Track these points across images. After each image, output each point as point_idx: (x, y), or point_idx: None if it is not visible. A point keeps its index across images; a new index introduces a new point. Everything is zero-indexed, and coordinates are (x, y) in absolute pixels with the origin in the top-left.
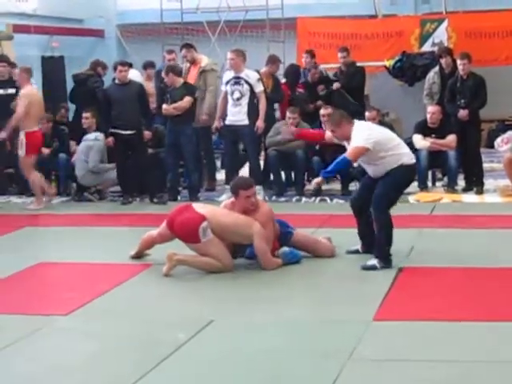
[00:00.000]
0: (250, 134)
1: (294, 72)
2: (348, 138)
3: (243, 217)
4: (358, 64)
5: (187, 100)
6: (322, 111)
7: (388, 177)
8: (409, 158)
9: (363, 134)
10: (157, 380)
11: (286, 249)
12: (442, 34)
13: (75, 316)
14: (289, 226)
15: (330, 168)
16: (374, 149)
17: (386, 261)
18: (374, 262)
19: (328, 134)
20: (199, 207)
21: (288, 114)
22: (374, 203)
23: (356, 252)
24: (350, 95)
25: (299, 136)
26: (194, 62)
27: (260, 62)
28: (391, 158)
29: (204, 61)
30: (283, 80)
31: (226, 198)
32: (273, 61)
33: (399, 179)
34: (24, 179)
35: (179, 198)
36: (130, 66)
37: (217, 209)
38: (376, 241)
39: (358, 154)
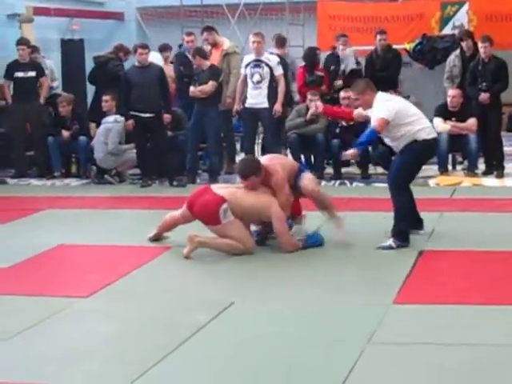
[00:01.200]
0: (269, 117)
1: (312, 55)
2: (370, 107)
3: (263, 197)
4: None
5: (211, 84)
6: (342, 94)
7: (404, 153)
8: (427, 133)
9: (385, 104)
10: (178, 362)
11: (309, 232)
12: (462, 17)
13: (96, 298)
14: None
15: (361, 140)
16: (393, 120)
17: (401, 238)
18: (389, 241)
19: (356, 112)
20: (218, 188)
21: (309, 96)
22: (389, 180)
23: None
24: (386, 80)
25: (327, 112)
26: (215, 44)
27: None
28: (409, 132)
29: (226, 44)
30: (302, 64)
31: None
32: (281, 43)
33: (416, 154)
34: (44, 162)
35: (198, 180)
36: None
37: (236, 190)
38: (394, 218)
39: (383, 124)
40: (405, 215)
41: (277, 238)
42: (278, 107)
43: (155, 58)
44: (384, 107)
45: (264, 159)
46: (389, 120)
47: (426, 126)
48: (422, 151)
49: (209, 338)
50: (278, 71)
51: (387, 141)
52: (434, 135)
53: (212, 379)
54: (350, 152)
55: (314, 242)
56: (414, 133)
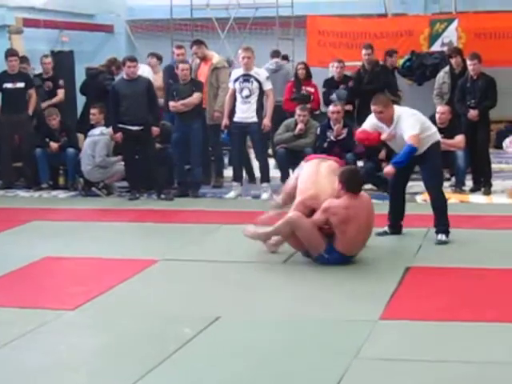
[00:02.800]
0: (258, 132)
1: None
2: (389, 121)
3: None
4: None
5: (197, 96)
6: (331, 108)
7: (429, 158)
8: (437, 136)
9: (413, 118)
10: (163, 375)
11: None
12: (451, 34)
13: (82, 310)
14: None
15: (400, 159)
16: (421, 133)
17: (448, 232)
18: (443, 237)
19: (384, 135)
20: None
21: (298, 111)
22: (431, 186)
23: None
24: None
25: (360, 138)
26: (204, 58)
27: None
28: (426, 138)
29: (215, 58)
30: (292, 79)
31: (234, 195)
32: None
33: (438, 155)
34: (32, 173)
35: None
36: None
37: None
38: (438, 217)
39: (418, 140)
40: (446, 211)
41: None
42: (266, 122)
43: (145, 71)
44: (414, 123)
45: None
46: (420, 134)
47: (435, 130)
48: (439, 151)
49: (195, 351)
50: (267, 86)
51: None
52: (439, 137)
53: None
54: (388, 170)
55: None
56: (430, 137)
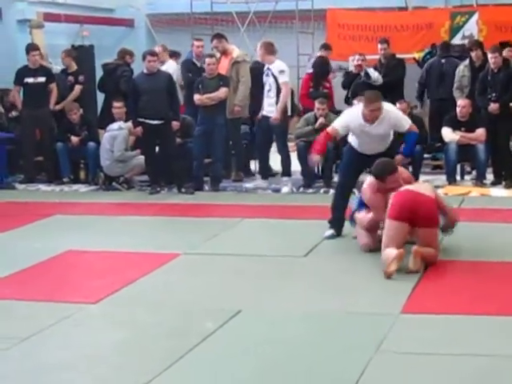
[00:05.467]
0: (279, 126)
1: (322, 65)
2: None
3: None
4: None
5: (224, 91)
6: (317, 105)
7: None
8: None
9: (400, 112)
10: (185, 369)
11: None
12: (472, 27)
13: (104, 304)
14: None
15: (410, 147)
16: None
17: None
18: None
19: (330, 130)
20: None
21: (317, 104)
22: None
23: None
24: (391, 87)
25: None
26: (224, 52)
27: (290, 53)
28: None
29: (235, 52)
30: (309, 71)
31: (287, 190)
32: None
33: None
34: (53, 167)
35: (206, 187)
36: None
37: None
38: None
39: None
40: None
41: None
42: (275, 115)
43: (170, 66)
44: (402, 115)
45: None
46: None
47: None
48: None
49: (217, 345)
50: (282, 79)
51: (369, 144)
52: None
53: None
54: (399, 158)
55: None
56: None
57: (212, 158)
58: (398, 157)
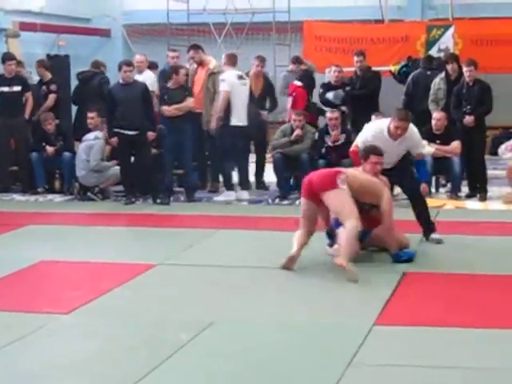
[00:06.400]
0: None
1: (309, 77)
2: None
3: (374, 178)
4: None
5: (191, 101)
6: (328, 115)
7: (406, 168)
8: None
9: (418, 133)
10: (158, 380)
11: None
12: (448, 40)
13: (77, 314)
14: None
15: (425, 173)
16: None
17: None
18: (437, 235)
19: (355, 149)
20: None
21: (293, 116)
22: (415, 190)
23: None
24: (365, 100)
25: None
26: (201, 63)
27: (266, 64)
28: None
29: (212, 63)
30: (298, 83)
31: (223, 198)
32: (262, 60)
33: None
34: (27, 177)
35: (172, 199)
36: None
37: (352, 169)
38: (424, 219)
39: None
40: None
41: (382, 215)
42: (212, 124)
43: (148, 76)
44: (420, 137)
45: None
46: None
47: None
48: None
49: (190, 356)
50: (220, 87)
51: (388, 161)
52: None
53: None
54: (425, 188)
55: (406, 254)
56: None
57: (184, 168)
58: (424, 187)
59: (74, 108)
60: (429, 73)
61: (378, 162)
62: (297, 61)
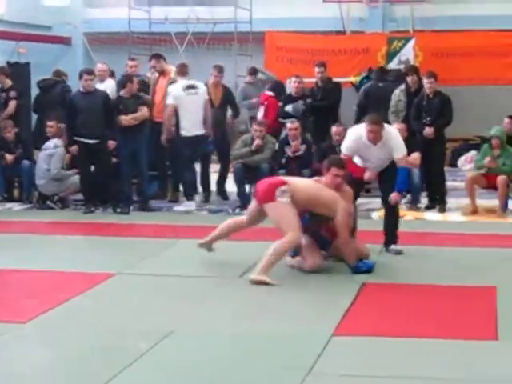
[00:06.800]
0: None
1: (280, 87)
2: (380, 140)
3: (329, 190)
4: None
5: (146, 110)
6: (288, 125)
7: (390, 174)
8: None
9: (400, 138)
10: None
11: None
12: (408, 52)
13: (36, 323)
14: None
15: (402, 184)
16: None
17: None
18: (398, 247)
19: (367, 175)
20: (285, 177)
21: (254, 126)
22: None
23: None
24: (326, 110)
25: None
26: (162, 72)
27: (228, 74)
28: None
29: (173, 72)
30: (270, 93)
31: (183, 208)
32: (220, 70)
33: (394, 169)
34: None
35: (131, 208)
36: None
37: (302, 180)
38: (391, 229)
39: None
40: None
41: (337, 228)
42: (162, 137)
43: (109, 85)
44: (402, 142)
45: None
46: None
47: None
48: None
49: (149, 365)
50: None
51: (376, 166)
52: None
53: None
54: (395, 198)
55: (365, 265)
56: None
57: (138, 178)
58: (393, 195)
59: (34, 116)
60: (381, 84)
61: (338, 175)
62: (253, 72)
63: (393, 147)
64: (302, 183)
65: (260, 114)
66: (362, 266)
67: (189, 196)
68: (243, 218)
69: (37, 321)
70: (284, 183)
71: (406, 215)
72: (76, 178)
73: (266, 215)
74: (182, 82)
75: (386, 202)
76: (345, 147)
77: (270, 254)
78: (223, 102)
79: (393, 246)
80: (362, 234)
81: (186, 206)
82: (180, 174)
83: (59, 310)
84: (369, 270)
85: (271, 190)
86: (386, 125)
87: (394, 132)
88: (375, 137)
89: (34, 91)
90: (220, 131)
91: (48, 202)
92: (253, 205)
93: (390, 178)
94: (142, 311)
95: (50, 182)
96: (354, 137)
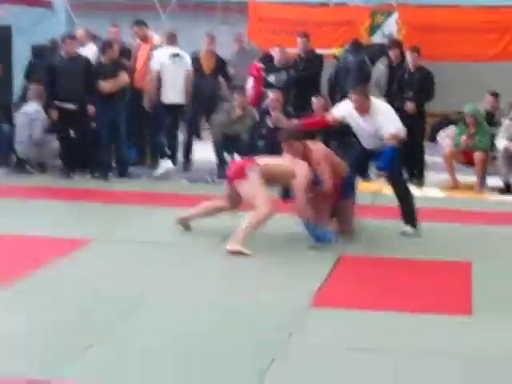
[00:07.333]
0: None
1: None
2: (366, 111)
3: (291, 164)
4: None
5: (125, 76)
6: (270, 95)
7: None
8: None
9: (393, 114)
10: (95, 355)
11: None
12: (391, 26)
13: (8, 289)
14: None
15: (386, 162)
16: None
17: (416, 225)
18: (410, 229)
19: (328, 117)
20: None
21: (236, 96)
22: (396, 179)
23: None
24: (308, 82)
25: (304, 126)
26: (145, 39)
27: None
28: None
29: (155, 39)
30: (260, 64)
31: (161, 170)
32: (212, 39)
33: (397, 149)
34: None
35: (110, 174)
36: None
37: (273, 159)
38: (403, 210)
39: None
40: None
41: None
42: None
43: (90, 49)
44: (395, 118)
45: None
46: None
47: None
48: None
49: (124, 331)
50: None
51: (366, 139)
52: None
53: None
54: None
55: (323, 235)
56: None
57: (117, 143)
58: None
59: (16, 80)
60: (351, 58)
61: (287, 147)
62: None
63: (380, 122)
64: (270, 162)
65: (249, 84)
66: (320, 236)
67: (162, 156)
68: (224, 201)
69: (11, 287)
70: (254, 162)
71: (383, 189)
72: (56, 144)
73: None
74: (168, 50)
75: (392, 182)
76: (335, 108)
77: (245, 226)
78: (215, 71)
79: (404, 228)
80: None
81: (163, 167)
82: (156, 139)
83: (34, 276)
84: (324, 240)
85: (242, 169)
86: (376, 99)
87: (383, 107)
88: (358, 107)
89: (15, 55)
90: (211, 100)
91: (27, 167)
92: (225, 187)
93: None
94: (115, 278)
95: (31, 146)
96: (345, 103)
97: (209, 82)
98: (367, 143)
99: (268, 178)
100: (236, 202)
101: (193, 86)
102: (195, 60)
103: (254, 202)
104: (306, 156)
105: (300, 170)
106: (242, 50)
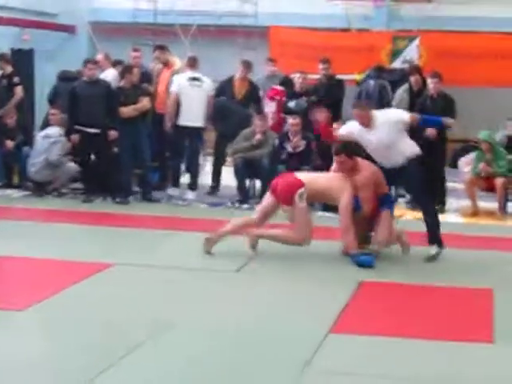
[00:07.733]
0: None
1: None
2: (369, 124)
3: (338, 182)
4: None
5: (147, 101)
6: (290, 121)
7: (410, 169)
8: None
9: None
10: (111, 380)
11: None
12: (413, 52)
13: (32, 311)
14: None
15: (431, 119)
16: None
17: (442, 244)
18: (435, 249)
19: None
20: (301, 175)
21: (256, 120)
22: (419, 197)
23: None
24: (329, 108)
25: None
26: (166, 63)
27: (232, 68)
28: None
29: (177, 63)
30: (281, 87)
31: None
32: (247, 65)
33: (418, 168)
34: None
35: (131, 198)
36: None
37: (317, 176)
38: (428, 226)
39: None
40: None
41: (340, 217)
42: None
43: (110, 74)
44: (399, 110)
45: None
46: None
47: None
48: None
49: (145, 357)
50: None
51: (381, 156)
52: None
53: None
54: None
55: (365, 260)
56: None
57: (141, 168)
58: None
59: (38, 103)
60: (372, 82)
61: (337, 161)
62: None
63: (397, 119)
64: (313, 179)
65: (271, 109)
66: (363, 260)
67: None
68: (254, 216)
69: (32, 309)
70: (302, 185)
71: (405, 214)
72: (69, 167)
73: (276, 211)
74: (188, 74)
75: (416, 203)
76: (342, 129)
77: (272, 232)
78: (246, 98)
79: (431, 251)
80: None
81: (171, 191)
82: (172, 162)
83: (55, 299)
84: (368, 264)
85: (291, 193)
86: (375, 111)
87: (385, 113)
88: (362, 121)
89: (38, 78)
90: (239, 126)
91: (40, 190)
92: (269, 200)
93: (410, 176)
94: (138, 303)
95: (44, 168)
96: (351, 123)
97: (239, 108)
98: (384, 158)
99: (311, 198)
100: (266, 217)
101: (221, 111)
102: (229, 84)
103: (295, 225)
104: (353, 172)
105: (346, 194)
106: (272, 74)
